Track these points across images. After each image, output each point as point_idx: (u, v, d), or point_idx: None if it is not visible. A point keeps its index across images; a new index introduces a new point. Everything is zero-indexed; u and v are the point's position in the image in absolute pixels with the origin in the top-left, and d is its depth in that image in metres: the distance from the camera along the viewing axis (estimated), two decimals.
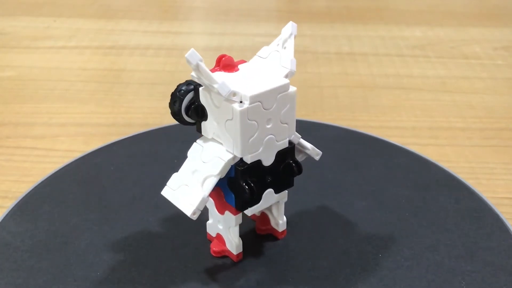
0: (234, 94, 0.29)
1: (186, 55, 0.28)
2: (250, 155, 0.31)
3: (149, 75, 0.63)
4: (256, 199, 0.33)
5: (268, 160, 0.32)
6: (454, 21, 0.81)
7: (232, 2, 0.89)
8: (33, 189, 0.42)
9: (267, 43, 0.34)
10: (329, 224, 0.39)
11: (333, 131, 0.51)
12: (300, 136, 0.34)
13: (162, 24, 0.79)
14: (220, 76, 0.31)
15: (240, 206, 0.33)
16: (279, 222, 0.37)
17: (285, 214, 0.37)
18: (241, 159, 0.31)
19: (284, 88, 0.31)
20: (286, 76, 0.31)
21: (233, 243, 0.35)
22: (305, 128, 0.50)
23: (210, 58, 0.72)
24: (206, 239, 0.37)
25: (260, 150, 0.31)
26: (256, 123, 0.30)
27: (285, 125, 0.32)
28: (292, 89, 0.31)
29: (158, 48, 0.70)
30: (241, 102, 0.30)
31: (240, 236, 0.35)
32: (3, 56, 0.68)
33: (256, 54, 0.33)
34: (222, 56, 0.32)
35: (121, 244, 0.37)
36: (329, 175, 0.44)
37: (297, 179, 0.34)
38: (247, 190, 0.31)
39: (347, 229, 0.38)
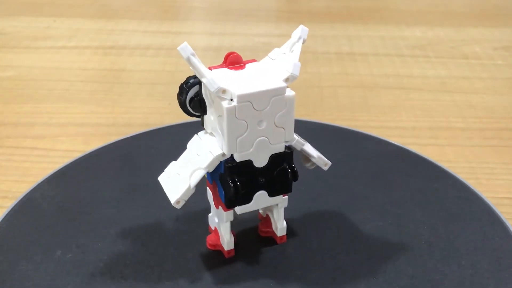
0: (224, 91, 0.29)
1: (178, 48, 0.29)
2: (238, 154, 0.31)
3: (149, 75, 0.63)
4: (245, 199, 0.33)
5: (260, 162, 0.32)
6: (454, 21, 0.81)
7: (232, 2, 0.89)
8: (33, 189, 0.42)
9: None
10: (335, 237, 0.38)
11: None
12: (303, 142, 0.34)
13: (162, 24, 0.79)
14: (221, 73, 0.31)
15: (227, 203, 0.33)
16: (278, 227, 0.36)
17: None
18: (232, 156, 0.31)
19: (279, 91, 0.30)
20: (287, 80, 0.31)
21: (224, 239, 0.35)
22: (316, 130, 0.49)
23: (210, 58, 0.73)
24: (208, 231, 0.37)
25: (250, 150, 0.31)
26: (245, 122, 0.30)
27: (281, 128, 0.31)
28: (290, 93, 0.31)
29: (158, 48, 0.70)
30: (231, 100, 0.30)
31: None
32: (3, 56, 0.68)
33: (268, 55, 0.33)
34: (230, 53, 0.32)
35: (129, 230, 0.38)
36: (349, 185, 0.43)
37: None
38: (231, 188, 0.31)
39: (351, 245, 0.37)
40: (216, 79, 0.29)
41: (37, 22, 0.78)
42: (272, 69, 0.32)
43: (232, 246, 0.35)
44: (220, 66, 0.32)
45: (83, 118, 0.54)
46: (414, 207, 0.40)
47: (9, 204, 0.41)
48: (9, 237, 0.37)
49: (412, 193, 0.42)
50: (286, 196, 0.35)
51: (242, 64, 0.32)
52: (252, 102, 0.30)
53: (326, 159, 0.35)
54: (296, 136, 0.33)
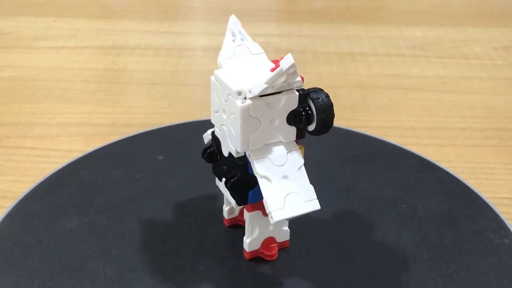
0: (221, 66, 0.32)
1: (230, 16, 0.32)
2: (215, 127, 0.33)
3: (149, 75, 0.63)
4: (216, 172, 0.35)
5: (224, 149, 0.33)
6: (454, 21, 0.81)
7: (232, 2, 0.89)
8: (33, 189, 0.42)
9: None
10: (333, 238, 0.38)
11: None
12: (262, 175, 0.31)
13: (162, 24, 0.79)
14: (259, 62, 0.33)
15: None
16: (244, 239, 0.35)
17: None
18: None
19: (230, 90, 0.30)
20: (250, 91, 0.30)
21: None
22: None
23: (210, 58, 0.73)
24: None
25: (220, 132, 0.33)
26: (216, 101, 0.32)
27: (232, 131, 0.31)
28: (240, 103, 0.29)
29: (158, 48, 0.70)
30: None
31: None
32: (3, 56, 0.68)
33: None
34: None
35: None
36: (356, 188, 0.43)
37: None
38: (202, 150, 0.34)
39: (348, 248, 0.37)
40: (224, 55, 0.32)
41: (37, 22, 0.78)
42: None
43: (226, 216, 0.38)
44: (274, 61, 0.32)
45: (83, 118, 0.54)
46: (414, 208, 0.40)
47: (9, 204, 0.41)
48: (9, 237, 0.37)
49: (411, 194, 0.42)
50: (248, 213, 0.34)
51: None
52: (219, 86, 0.31)
53: (271, 211, 0.30)
54: (254, 161, 0.31)
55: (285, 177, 0.31)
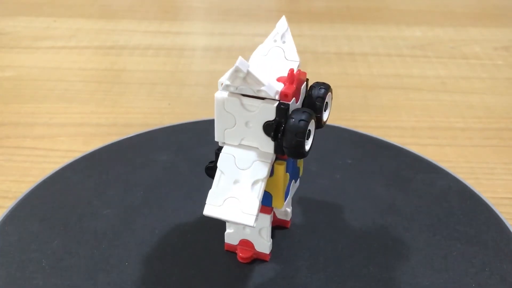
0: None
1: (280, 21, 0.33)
2: None
3: (149, 75, 0.63)
4: None
5: None
6: (454, 21, 0.81)
7: (232, 2, 0.89)
8: (33, 189, 0.42)
9: None
10: (332, 238, 0.38)
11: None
12: (219, 168, 0.31)
13: (162, 24, 0.79)
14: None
15: None
16: None
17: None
18: None
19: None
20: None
21: None
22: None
23: (210, 58, 0.73)
24: None
25: None
26: None
27: None
28: (219, 94, 0.30)
29: (158, 48, 0.70)
30: None
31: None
32: (3, 56, 0.68)
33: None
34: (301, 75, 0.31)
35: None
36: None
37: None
38: None
39: (347, 248, 0.37)
40: (258, 51, 0.32)
41: (37, 22, 0.78)
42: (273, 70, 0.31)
43: None
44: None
45: (83, 118, 0.54)
46: (413, 208, 0.40)
47: (9, 204, 0.41)
48: (9, 237, 0.37)
49: (411, 194, 0.42)
50: None
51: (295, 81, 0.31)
52: None
53: (206, 203, 0.30)
54: (221, 153, 0.31)
55: (237, 181, 0.30)
